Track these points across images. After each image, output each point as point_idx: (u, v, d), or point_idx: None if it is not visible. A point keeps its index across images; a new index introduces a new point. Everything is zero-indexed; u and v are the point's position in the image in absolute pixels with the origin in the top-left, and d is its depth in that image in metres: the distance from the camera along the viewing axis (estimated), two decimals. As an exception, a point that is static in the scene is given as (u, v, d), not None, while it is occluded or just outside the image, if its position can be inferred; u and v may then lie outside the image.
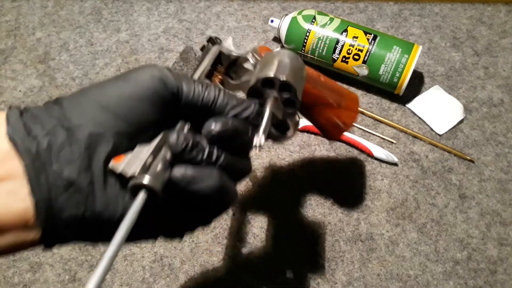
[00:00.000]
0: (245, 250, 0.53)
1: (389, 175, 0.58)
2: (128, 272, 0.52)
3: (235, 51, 0.39)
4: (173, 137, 0.26)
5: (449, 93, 0.64)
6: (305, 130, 0.60)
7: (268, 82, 0.33)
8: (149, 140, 0.26)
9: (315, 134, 0.60)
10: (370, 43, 0.60)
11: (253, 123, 0.30)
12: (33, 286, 0.51)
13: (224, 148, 0.28)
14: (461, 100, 0.63)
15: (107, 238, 0.24)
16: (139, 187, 0.24)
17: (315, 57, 0.63)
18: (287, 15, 0.65)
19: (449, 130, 0.61)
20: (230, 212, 0.55)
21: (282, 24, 0.64)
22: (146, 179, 0.23)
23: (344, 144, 0.60)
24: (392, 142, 0.60)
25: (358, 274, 0.52)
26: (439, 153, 0.60)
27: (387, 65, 0.59)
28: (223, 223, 0.54)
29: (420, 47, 0.60)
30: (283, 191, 0.57)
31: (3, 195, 0.23)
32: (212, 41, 0.39)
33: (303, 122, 0.60)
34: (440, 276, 0.52)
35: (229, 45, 0.39)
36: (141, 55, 0.68)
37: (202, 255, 0.53)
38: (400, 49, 0.59)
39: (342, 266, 0.52)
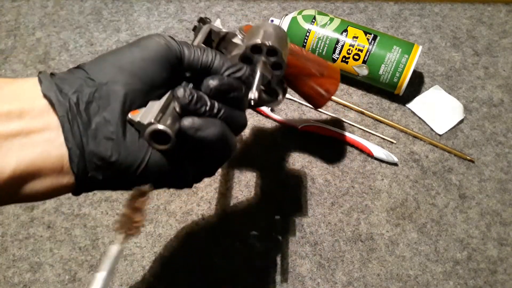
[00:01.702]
0: (244, 251, 0.53)
1: (389, 175, 0.58)
2: (128, 272, 0.52)
3: (223, 29, 0.42)
4: (180, 91, 0.30)
5: (449, 93, 0.64)
6: (305, 130, 0.60)
7: (256, 48, 0.36)
8: (159, 96, 0.31)
9: (315, 134, 0.60)
10: (370, 43, 0.60)
11: (246, 82, 0.34)
12: (33, 286, 0.51)
13: (223, 102, 0.32)
14: (461, 100, 0.63)
15: (127, 185, 0.30)
16: (156, 132, 0.28)
17: (315, 57, 0.63)
18: (287, 15, 0.65)
19: (449, 130, 0.61)
20: (231, 212, 0.55)
21: (282, 24, 0.64)
22: (161, 125, 0.28)
23: (344, 144, 0.60)
24: (392, 142, 0.60)
25: (358, 274, 0.52)
26: (439, 153, 0.60)
27: (387, 65, 0.59)
28: (223, 223, 0.54)
29: (420, 47, 0.60)
30: (282, 191, 0.57)
31: (43, 144, 0.26)
32: (203, 21, 0.43)
33: (304, 122, 0.60)
34: (440, 276, 0.52)
35: (218, 24, 0.43)
36: (141, 55, 0.68)
37: (202, 255, 0.53)
38: (400, 49, 0.59)
39: (342, 266, 0.52)
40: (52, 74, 0.29)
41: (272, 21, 0.66)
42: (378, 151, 0.58)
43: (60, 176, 0.27)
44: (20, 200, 0.28)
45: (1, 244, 0.53)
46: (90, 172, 0.28)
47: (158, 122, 0.28)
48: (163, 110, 0.29)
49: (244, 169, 0.58)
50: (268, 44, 0.36)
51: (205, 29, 0.41)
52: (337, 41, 0.61)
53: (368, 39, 0.60)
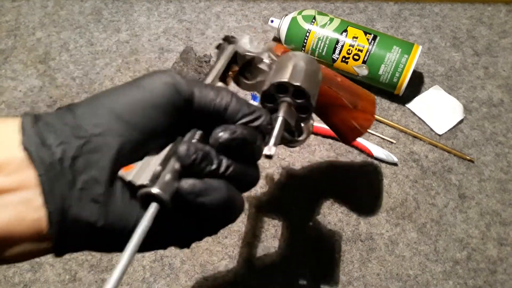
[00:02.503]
0: (244, 250, 0.53)
1: (389, 175, 0.58)
2: (128, 272, 0.52)
3: (251, 51, 0.38)
4: (182, 149, 0.26)
5: (449, 93, 0.64)
6: (305, 130, 0.60)
7: (282, 87, 0.32)
8: (159, 147, 0.27)
9: (315, 134, 0.60)
10: (370, 43, 0.60)
11: (264, 132, 0.30)
12: (34, 286, 0.51)
13: (232, 157, 0.28)
14: (461, 100, 0.63)
15: (118, 248, 0.25)
16: (149, 196, 0.24)
17: (315, 57, 0.63)
18: (287, 15, 0.65)
19: (449, 130, 0.61)
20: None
21: (282, 24, 0.64)
22: (155, 189, 0.23)
23: (344, 144, 0.60)
24: (392, 142, 0.60)
25: (358, 274, 0.52)
26: (438, 153, 0.60)
27: (387, 65, 0.59)
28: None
29: (420, 47, 0.60)
30: (282, 191, 0.57)
31: (17, 205, 0.23)
32: (228, 40, 0.39)
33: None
34: (439, 276, 0.52)
35: (245, 43, 0.39)
36: (141, 55, 0.68)
37: (202, 255, 0.53)
38: (400, 49, 0.59)
39: (342, 266, 0.52)
40: (37, 117, 0.25)
41: (272, 21, 0.66)
42: (378, 151, 0.58)
43: (38, 241, 0.24)
44: None
45: (2, 244, 0.53)
46: (73, 238, 0.24)
47: (154, 182, 0.24)
48: (164, 163, 0.25)
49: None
50: (295, 85, 0.32)
51: (229, 50, 0.37)
52: (337, 41, 0.61)
53: (368, 39, 0.60)
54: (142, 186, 0.24)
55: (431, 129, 0.61)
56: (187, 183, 0.26)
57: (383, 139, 0.60)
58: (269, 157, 0.28)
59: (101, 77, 0.66)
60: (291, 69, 0.33)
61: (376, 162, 0.59)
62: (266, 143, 0.29)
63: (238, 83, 0.39)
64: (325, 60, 0.63)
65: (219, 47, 0.39)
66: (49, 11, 0.73)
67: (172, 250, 0.53)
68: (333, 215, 0.55)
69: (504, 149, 0.60)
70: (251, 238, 0.54)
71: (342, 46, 0.61)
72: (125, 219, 0.25)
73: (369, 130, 0.61)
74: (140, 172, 0.25)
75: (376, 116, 0.62)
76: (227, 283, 0.51)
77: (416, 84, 0.65)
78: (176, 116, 0.27)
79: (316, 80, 0.34)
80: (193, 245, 0.53)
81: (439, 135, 0.61)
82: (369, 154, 0.58)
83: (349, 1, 0.73)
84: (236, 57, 0.38)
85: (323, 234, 0.54)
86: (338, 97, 0.43)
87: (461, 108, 0.62)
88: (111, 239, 0.25)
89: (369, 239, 0.54)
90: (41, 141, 0.23)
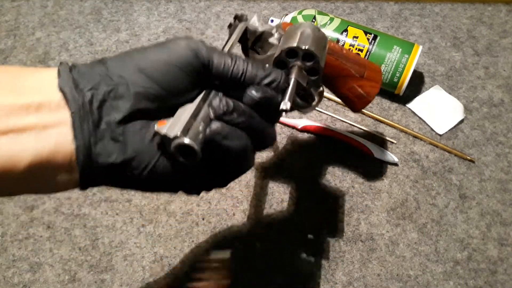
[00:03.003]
0: (244, 252, 0.53)
1: (389, 175, 0.58)
2: (128, 272, 0.52)
3: (260, 27, 0.40)
4: (216, 100, 0.30)
5: (450, 93, 0.64)
6: (305, 130, 0.60)
7: (292, 52, 0.34)
8: (181, 104, 0.30)
9: (315, 134, 0.60)
10: (370, 43, 0.60)
11: (280, 90, 0.33)
12: (33, 286, 0.51)
13: (259, 114, 0.32)
14: (462, 100, 0.63)
15: (134, 185, 0.30)
16: (181, 146, 0.26)
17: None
18: (287, 15, 0.64)
19: (449, 130, 0.61)
20: (231, 213, 0.55)
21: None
22: (186, 139, 0.26)
23: (344, 144, 0.60)
24: (392, 142, 0.60)
25: (358, 274, 0.52)
26: (439, 153, 0.60)
27: (387, 65, 0.59)
28: (223, 223, 0.54)
29: (420, 47, 0.60)
30: (282, 191, 0.57)
31: (58, 138, 0.26)
32: (239, 18, 0.41)
33: (303, 122, 0.60)
34: (440, 276, 0.52)
35: (254, 21, 0.41)
36: (141, 55, 0.68)
37: (202, 256, 0.52)
38: (400, 49, 0.59)
39: (342, 266, 0.52)
40: (73, 66, 0.29)
41: (272, 21, 0.66)
42: (378, 151, 0.58)
43: (69, 171, 0.27)
44: (32, 191, 0.29)
45: (1, 244, 0.53)
46: (95, 171, 0.28)
47: (186, 133, 0.27)
48: (195, 114, 0.28)
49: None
50: (304, 48, 0.34)
51: (240, 28, 0.39)
52: (337, 41, 0.61)
53: (368, 39, 0.60)
54: (176, 137, 0.26)
55: (432, 129, 0.61)
56: (216, 124, 0.29)
57: (384, 139, 0.60)
58: (285, 111, 0.31)
59: (101, 77, 0.66)
60: (299, 35, 0.35)
61: (376, 162, 0.59)
62: (282, 100, 0.32)
63: (250, 57, 0.41)
64: (325, 60, 0.63)
65: (230, 26, 0.41)
66: (49, 11, 0.73)
67: (172, 251, 0.53)
68: (333, 215, 0.55)
69: (505, 149, 0.60)
70: (250, 237, 0.53)
71: (343, 45, 0.61)
72: (141, 158, 0.28)
73: (369, 130, 0.60)
74: (172, 125, 0.27)
75: (376, 116, 0.62)
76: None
77: (417, 84, 0.65)
78: (195, 77, 0.30)
79: (323, 45, 0.36)
80: (193, 245, 0.53)
81: (440, 135, 0.61)
82: (370, 154, 0.58)
83: (349, 1, 0.73)
84: (247, 34, 0.40)
85: (323, 235, 0.54)
86: (345, 68, 0.45)
87: (461, 108, 0.62)
88: (127, 176, 0.29)
89: (369, 240, 0.54)
90: (75, 85, 0.27)
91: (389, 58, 0.59)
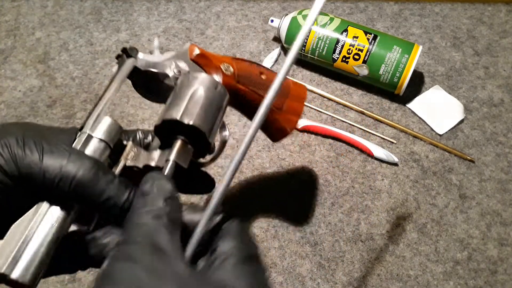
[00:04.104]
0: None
1: (389, 175, 0.58)
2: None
3: (156, 62, 0.34)
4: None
5: (449, 93, 0.64)
6: (305, 130, 0.60)
7: (175, 123, 0.28)
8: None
9: (315, 134, 0.60)
10: (370, 43, 0.60)
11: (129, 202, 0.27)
12: (33, 286, 0.51)
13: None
14: (462, 100, 0.63)
15: None
16: (12, 282, 0.23)
17: (315, 57, 0.63)
18: (287, 15, 0.64)
19: (449, 130, 0.61)
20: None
21: (282, 24, 0.64)
22: (15, 274, 0.23)
23: (344, 144, 0.60)
24: (392, 142, 0.60)
25: (358, 274, 0.52)
26: (439, 153, 0.60)
27: (387, 65, 0.59)
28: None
29: (420, 47, 0.60)
30: (282, 191, 0.57)
31: None
32: (127, 53, 0.35)
33: (303, 122, 0.60)
34: (440, 276, 0.52)
35: (156, 46, 0.36)
36: (141, 55, 0.68)
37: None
38: (400, 49, 0.59)
39: (342, 266, 0.52)
40: None
41: (272, 21, 0.66)
42: (378, 151, 0.58)
43: None
44: None
45: (1, 244, 0.53)
46: None
47: (13, 268, 0.23)
48: (23, 244, 0.24)
49: (243, 168, 0.58)
50: (187, 124, 0.28)
51: (127, 66, 0.34)
52: (337, 41, 0.61)
53: (368, 39, 0.60)
54: (1, 274, 0.23)
55: (432, 129, 0.61)
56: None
57: (384, 139, 0.60)
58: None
59: (101, 77, 0.66)
60: (186, 101, 0.29)
61: (376, 162, 0.59)
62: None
63: (147, 98, 0.37)
64: (325, 60, 0.63)
65: (118, 57, 0.35)
66: (49, 11, 0.73)
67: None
68: (333, 215, 0.55)
69: (505, 149, 0.60)
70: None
71: (343, 46, 0.61)
72: None
73: (369, 130, 0.60)
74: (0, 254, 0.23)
75: (376, 116, 0.62)
76: None
77: (417, 84, 0.65)
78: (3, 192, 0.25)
79: (218, 107, 0.31)
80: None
81: (440, 135, 0.61)
82: (370, 154, 0.58)
83: (349, 1, 0.73)
84: (138, 74, 0.34)
85: (324, 234, 0.54)
86: (262, 100, 0.43)
87: (461, 108, 0.62)
88: None
89: (369, 240, 0.54)
90: None
91: (389, 58, 0.59)
